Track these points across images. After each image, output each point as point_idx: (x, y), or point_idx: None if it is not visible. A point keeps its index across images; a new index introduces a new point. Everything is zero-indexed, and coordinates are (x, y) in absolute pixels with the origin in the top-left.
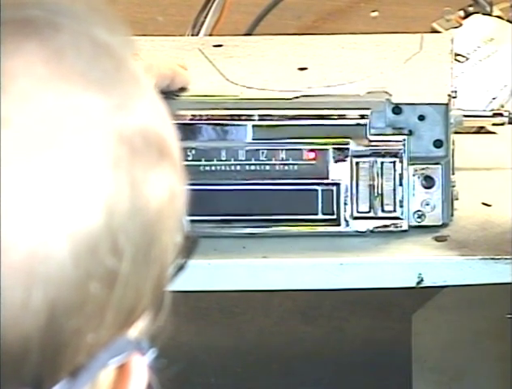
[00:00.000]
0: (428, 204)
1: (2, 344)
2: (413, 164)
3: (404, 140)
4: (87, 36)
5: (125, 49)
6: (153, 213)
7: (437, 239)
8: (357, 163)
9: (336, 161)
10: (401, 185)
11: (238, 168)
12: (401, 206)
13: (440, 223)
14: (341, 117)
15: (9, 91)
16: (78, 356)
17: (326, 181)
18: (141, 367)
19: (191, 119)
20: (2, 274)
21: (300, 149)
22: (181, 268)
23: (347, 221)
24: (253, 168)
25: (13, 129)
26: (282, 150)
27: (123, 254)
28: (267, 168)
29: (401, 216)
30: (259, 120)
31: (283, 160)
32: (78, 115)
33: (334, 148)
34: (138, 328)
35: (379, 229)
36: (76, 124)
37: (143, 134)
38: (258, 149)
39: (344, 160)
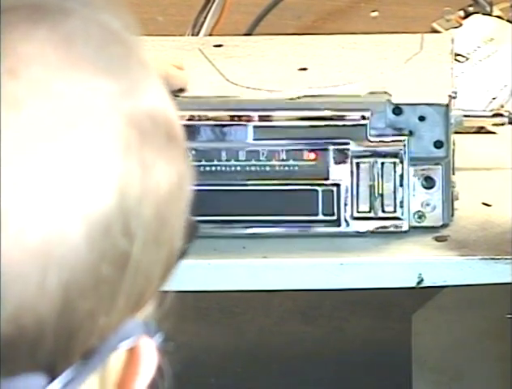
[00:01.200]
0: (428, 205)
1: (18, 328)
2: (413, 165)
3: (404, 141)
4: (96, 21)
5: (133, 36)
6: (163, 196)
7: (438, 239)
8: (357, 163)
9: (336, 162)
10: (401, 185)
11: (239, 168)
12: (401, 206)
13: (440, 223)
14: (341, 117)
15: (20, 76)
16: (91, 340)
17: (326, 182)
18: (150, 349)
19: (191, 120)
20: (18, 259)
21: (300, 150)
22: (183, 254)
23: (347, 222)
24: (253, 168)
25: (25, 115)
26: (282, 150)
27: (135, 236)
28: (268, 168)
29: (401, 217)
30: (260, 120)
31: (283, 160)
32: (88, 100)
33: (334, 149)
34: (146, 312)
35: (379, 230)
36: (86, 109)
37: (152, 117)
38: (259, 150)
39: (345, 161)
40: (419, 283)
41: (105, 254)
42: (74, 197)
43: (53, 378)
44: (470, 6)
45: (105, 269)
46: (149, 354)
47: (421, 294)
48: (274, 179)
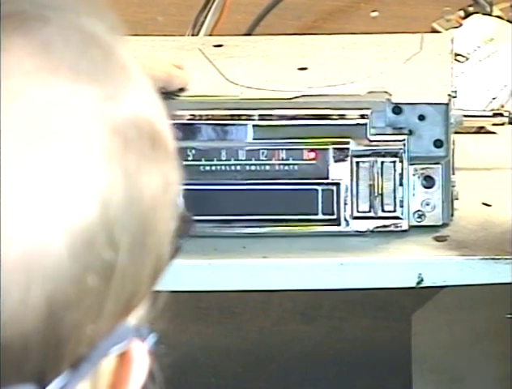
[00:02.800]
0: (428, 204)
1: (3, 342)
2: (413, 164)
3: (404, 140)
4: (74, 26)
5: (115, 38)
6: (148, 203)
7: (437, 239)
8: (357, 163)
9: (336, 161)
10: (401, 185)
11: (238, 168)
12: (401, 206)
13: (440, 223)
14: (341, 116)
15: None
16: (79, 348)
17: (326, 181)
18: (142, 353)
19: (191, 119)
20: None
21: (300, 149)
22: (177, 251)
23: (347, 221)
24: (253, 168)
25: (3, 125)
26: (282, 150)
27: (119, 246)
28: (267, 168)
29: (401, 216)
30: (259, 120)
31: (283, 159)
32: (68, 108)
33: (334, 148)
34: (138, 315)
35: (379, 229)
36: (67, 117)
37: (135, 123)
38: (259, 149)
39: (344, 160)
40: (419, 283)
41: (89, 265)
42: (56, 209)
43: (43, 387)
44: (470, 6)
45: (90, 280)
46: (140, 358)
47: (421, 294)
48: (274, 178)
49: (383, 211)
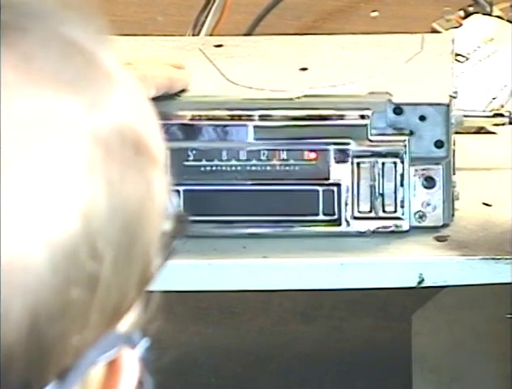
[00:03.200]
0: (428, 204)
1: None
2: (414, 165)
3: (405, 140)
4: (55, 35)
5: (97, 45)
6: (133, 211)
7: (438, 239)
8: (358, 163)
9: (337, 162)
10: (402, 185)
11: (239, 168)
12: (402, 206)
13: (441, 223)
14: (342, 117)
15: None
16: (65, 359)
17: (327, 182)
18: (131, 361)
19: (192, 119)
20: None
21: (301, 149)
22: (172, 252)
23: (347, 221)
24: (254, 168)
25: None
26: (283, 150)
27: (103, 257)
28: (268, 168)
29: (402, 217)
30: (260, 120)
31: (284, 160)
32: (49, 119)
33: (335, 149)
34: (129, 321)
35: (380, 230)
36: (48, 128)
37: (118, 132)
38: (259, 149)
39: (345, 161)
40: (419, 283)
41: (72, 278)
42: (36, 222)
43: None
44: (470, 6)
45: (73, 292)
46: (130, 366)
47: (421, 294)
48: (274, 179)
49: (384, 211)
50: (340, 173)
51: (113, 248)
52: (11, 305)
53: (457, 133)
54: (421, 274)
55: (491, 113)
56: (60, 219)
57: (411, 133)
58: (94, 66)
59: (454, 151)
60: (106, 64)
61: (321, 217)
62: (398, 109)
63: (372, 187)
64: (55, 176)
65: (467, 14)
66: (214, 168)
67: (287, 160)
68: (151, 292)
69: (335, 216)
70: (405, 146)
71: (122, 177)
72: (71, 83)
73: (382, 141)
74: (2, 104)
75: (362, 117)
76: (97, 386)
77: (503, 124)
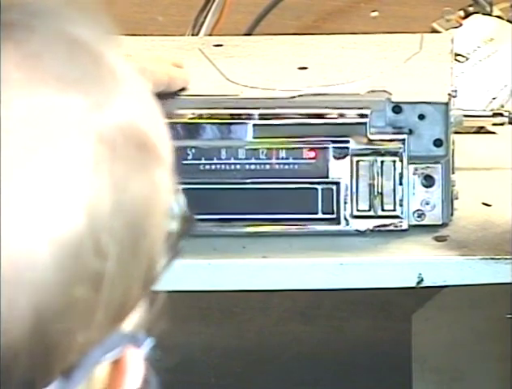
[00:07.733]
0: (428, 203)
1: None
2: (413, 164)
3: (404, 139)
4: (62, 35)
5: (104, 43)
6: (137, 210)
7: (437, 239)
8: (357, 162)
9: (336, 160)
10: (401, 184)
11: (238, 167)
12: (401, 205)
13: (440, 222)
14: (341, 116)
15: None
16: (70, 356)
17: (326, 180)
18: (136, 360)
19: (191, 118)
20: None
21: (300, 148)
22: (178, 251)
23: (347, 220)
24: (253, 167)
25: None
26: (282, 149)
27: (108, 255)
28: (267, 167)
29: (401, 215)
30: (259, 119)
31: (283, 159)
32: (55, 118)
33: (334, 147)
34: (133, 320)
35: (379, 228)
36: (54, 127)
37: (124, 131)
38: (258, 148)
39: (344, 159)
40: (419, 283)
41: (77, 275)
42: (41, 219)
43: None
44: (470, 6)
45: (78, 290)
46: (135, 364)
47: (421, 294)
48: (273, 177)
49: (383, 210)
50: (339, 171)
51: (118, 246)
52: (16, 301)
53: (457, 133)
54: (420, 274)
55: (491, 113)
56: (65, 216)
57: (411, 132)
58: (100, 66)
59: (453, 150)
60: (112, 63)
61: (320, 216)
62: (397, 108)
63: (371, 186)
64: (61, 174)
65: (467, 14)
66: (213, 166)
67: (286, 158)
68: (156, 292)
69: (334, 215)
70: (404, 144)
71: (127, 176)
72: (77, 82)
73: (381, 140)
74: (9, 103)
75: (361, 115)
76: (102, 384)
77: (503, 124)
